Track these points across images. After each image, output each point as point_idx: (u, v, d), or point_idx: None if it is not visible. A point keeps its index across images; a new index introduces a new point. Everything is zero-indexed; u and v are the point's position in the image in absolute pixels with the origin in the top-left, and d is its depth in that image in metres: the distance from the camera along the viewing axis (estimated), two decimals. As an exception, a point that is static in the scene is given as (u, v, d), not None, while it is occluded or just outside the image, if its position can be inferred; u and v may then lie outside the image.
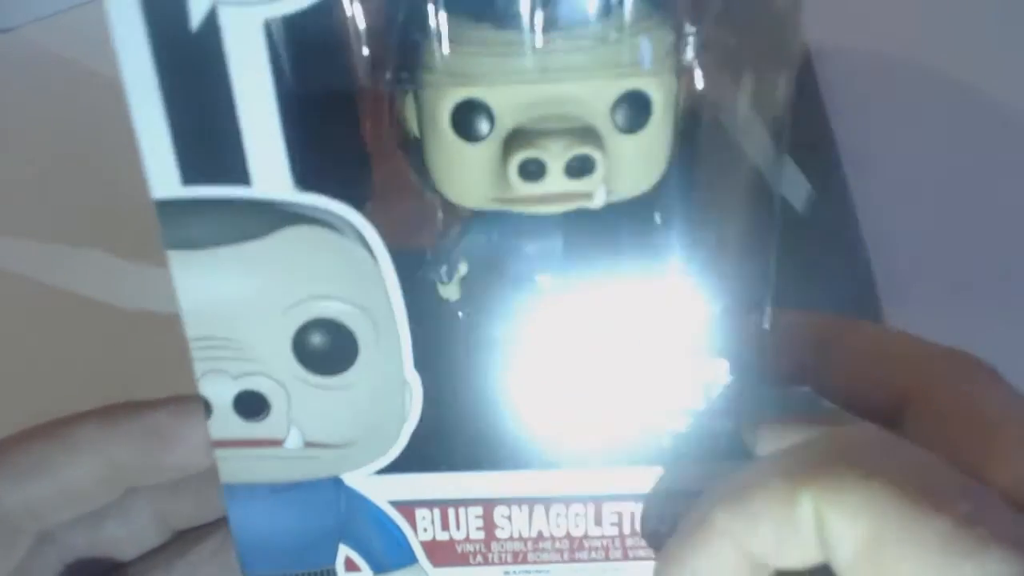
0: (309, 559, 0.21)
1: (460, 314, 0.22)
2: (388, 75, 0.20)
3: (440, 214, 0.22)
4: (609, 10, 0.18)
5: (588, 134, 0.19)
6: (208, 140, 0.17)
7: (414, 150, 0.20)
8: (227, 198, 0.17)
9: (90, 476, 0.20)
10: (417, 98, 0.20)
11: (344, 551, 0.21)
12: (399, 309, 0.19)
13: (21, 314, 0.28)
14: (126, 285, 0.27)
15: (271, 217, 0.18)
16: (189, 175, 0.17)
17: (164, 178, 0.17)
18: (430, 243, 0.21)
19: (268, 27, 0.16)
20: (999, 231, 0.26)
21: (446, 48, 0.18)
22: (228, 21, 0.16)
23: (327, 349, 0.19)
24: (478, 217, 0.22)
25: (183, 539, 0.23)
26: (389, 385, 0.19)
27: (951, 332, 0.21)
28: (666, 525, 0.21)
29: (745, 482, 0.17)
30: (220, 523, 0.22)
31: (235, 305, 0.18)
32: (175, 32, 0.16)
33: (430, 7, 0.18)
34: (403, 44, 0.19)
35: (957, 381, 0.18)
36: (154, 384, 0.21)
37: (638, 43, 0.18)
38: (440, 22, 0.18)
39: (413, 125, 0.20)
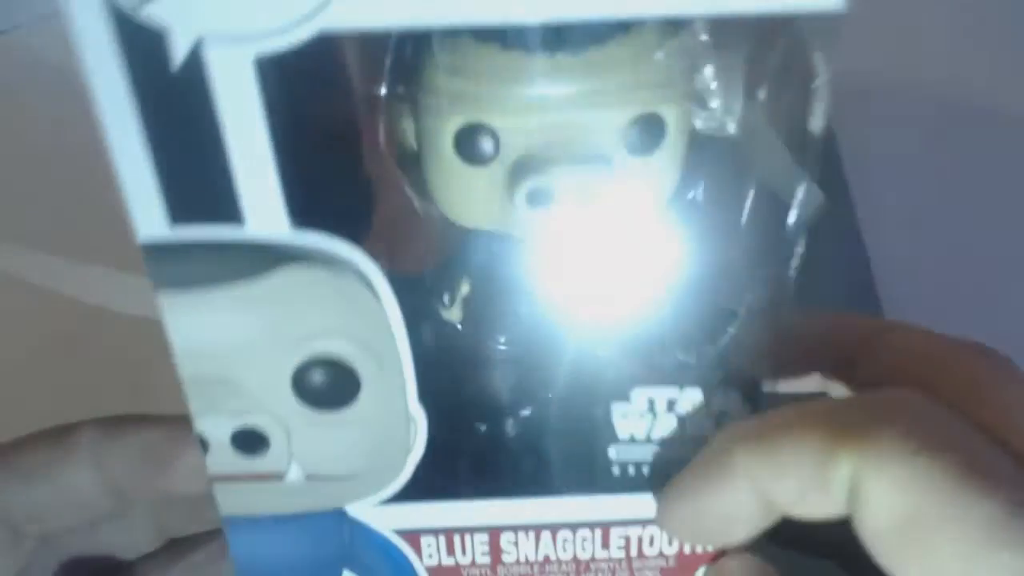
0: (313, 586, 0.21)
1: (459, 327, 0.22)
2: (384, 90, 0.19)
3: (439, 229, 0.21)
4: (621, 30, 0.17)
5: (598, 162, 0.18)
6: (197, 180, 0.16)
7: (412, 165, 0.19)
8: (219, 239, 0.16)
9: (89, 486, 0.20)
10: (415, 113, 0.19)
11: (348, 577, 0.21)
12: (403, 344, 0.18)
13: (29, 318, 0.28)
14: (125, 294, 0.27)
15: (266, 256, 0.17)
16: (177, 215, 0.16)
17: (150, 219, 0.16)
18: (431, 265, 0.21)
19: (259, 64, 0.15)
20: (999, 231, 0.26)
21: (449, 70, 0.17)
22: (214, 60, 0.14)
23: (328, 386, 0.18)
24: (478, 232, 0.21)
25: (181, 542, 0.22)
26: (393, 419, 0.19)
27: (951, 332, 0.21)
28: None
29: (775, 427, 0.16)
30: (217, 529, 0.22)
31: (231, 345, 0.17)
32: (156, 74, 0.14)
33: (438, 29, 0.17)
34: (402, 64, 0.18)
35: (984, 377, 0.18)
36: (153, 383, 0.21)
37: (652, 64, 0.17)
38: (442, 43, 0.17)
39: (411, 139, 0.19)
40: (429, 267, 0.21)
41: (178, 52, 0.14)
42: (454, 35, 0.17)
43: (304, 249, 0.17)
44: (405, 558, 0.21)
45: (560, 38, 0.17)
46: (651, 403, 0.19)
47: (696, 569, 0.21)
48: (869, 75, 0.24)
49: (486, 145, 0.18)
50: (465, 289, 0.21)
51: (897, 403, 0.16)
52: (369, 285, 0.17)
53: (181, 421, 0.20)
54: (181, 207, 0.16)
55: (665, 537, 0.20)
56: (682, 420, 0.19)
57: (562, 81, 0.17)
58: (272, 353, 0.18)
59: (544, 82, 0.17)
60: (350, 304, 0.17)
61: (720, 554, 0.21)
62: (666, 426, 0.19)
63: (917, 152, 0.26)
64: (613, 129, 0.18)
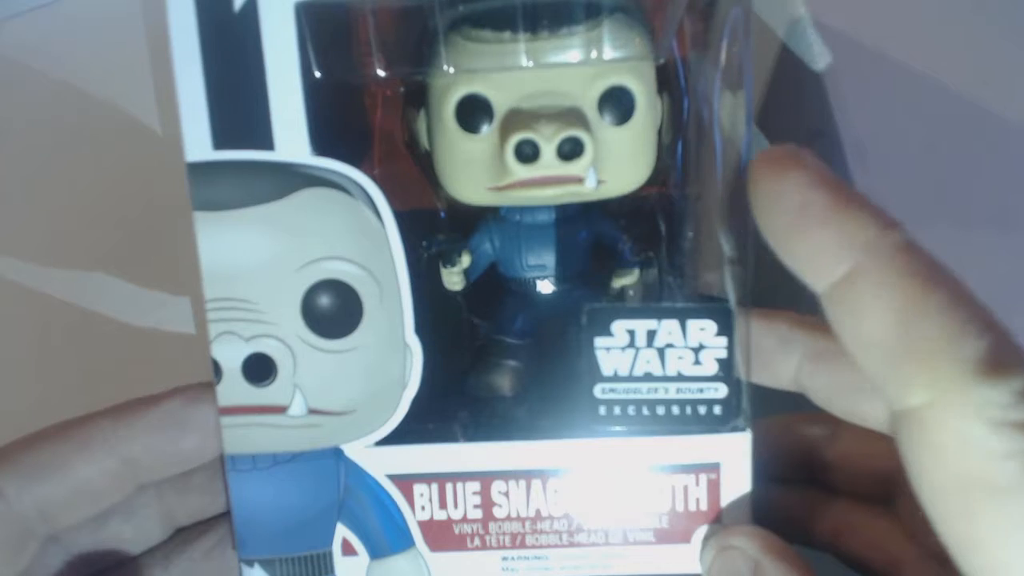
0: (307, 539, 0.21)
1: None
2: (405, 69, 0.22)
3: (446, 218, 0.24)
4: (590, 14, 0.21)
5: (577, 117, 0.21)
6: (241, 110, 0.19)
7: (424, 162, 0.23)
8: (252, 160, 0.19)
9: (103, 474, 0.20)
10: (428, 109, 0.22)
11: (341, 532, 0.21)
12: (402, 273, 0.20)
13: (40, 326, 0.29)
14: (136, 306, 0.28)
15: (290, 179, 0.20)
16: (220, 140, 0.19)
17: (198, 142, 0.19)
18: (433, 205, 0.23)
19: (299, 13, 0.19)
20: (1000, 231, 0.26)
21: (452, 51, 0.21)
22: (265, 4, 0.19)
23: (333, 311, 0.20)
24: (482, 227, 0.24)
25: (182, 535, 0.23)
26: (390, 349, 0.20)
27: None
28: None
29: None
30: (220, 519, 0.22)
31: (251, 265, 0.20)
32: (220, 13, 0.19)
33: (438, 19, 0.21)
34: (419, 54, 0.22)
35: None
36: (155, 386, 0.22)
37: (618, 43, 0.21)
38: (446, 31, 0.21)
39: (424, 139, 0.22)
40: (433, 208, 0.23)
41: (238, -5, 0.18)
42: (457, 24, 0.21)
43: (322, 172, 0.20)
44: (399, 510, 0.21)
45: (539, 21, 0.21)
46: (632, 335, 0.20)
47: (691, 531, 0.20)
48: (874, 69, 0.25)
49: (482, 113, 0.21)
50: (466, 261, 0.23)
51: None
52: (377, 214, 0.20)
53: (192, 388, 0.21)
54: (225, 133, 0.19)
55: (654, 494, 0.20)
56: (662, 352, 0.20)
57: (542, 56, 0.21)
58: (287, 273, 0.20)
59: (528, 57, 0.21)
60: (359, 227, 0.20)
61: (718, 518, 0.20)
62: (648, 360, 0.20)
63: (920, 149, 0.26)
64: (590, 100, 0.21)
